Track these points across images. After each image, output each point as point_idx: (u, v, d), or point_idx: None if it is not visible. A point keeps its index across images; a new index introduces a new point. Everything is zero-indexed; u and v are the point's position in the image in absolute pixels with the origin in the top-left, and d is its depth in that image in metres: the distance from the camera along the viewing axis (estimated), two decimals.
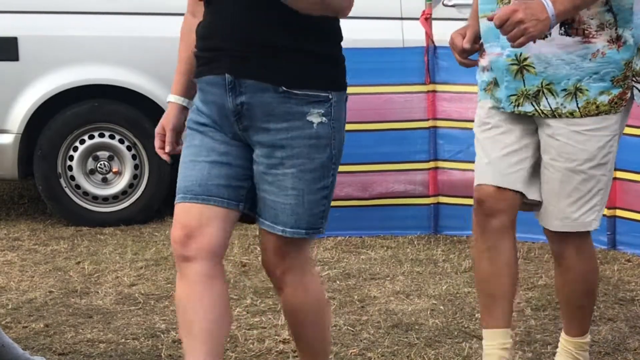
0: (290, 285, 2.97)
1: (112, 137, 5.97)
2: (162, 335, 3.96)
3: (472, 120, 5.38)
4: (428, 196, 5.58)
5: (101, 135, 5.97)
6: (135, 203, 6.02)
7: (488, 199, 3.28)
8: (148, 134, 5.91)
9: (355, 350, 3.78)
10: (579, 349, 3.49)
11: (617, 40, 3.07)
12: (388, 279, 4.75)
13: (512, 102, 3.22)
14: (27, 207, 6.54)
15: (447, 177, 5.61)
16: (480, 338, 3.90)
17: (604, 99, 3.09)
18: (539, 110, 3.18)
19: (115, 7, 5.89)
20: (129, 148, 5.97)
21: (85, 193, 6.00)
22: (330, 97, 2.80)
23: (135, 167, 5.99)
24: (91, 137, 5.96)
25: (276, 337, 3.92)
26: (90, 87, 5.90)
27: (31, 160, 5.97)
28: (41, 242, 5.57)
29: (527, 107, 3.20)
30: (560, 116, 3.14)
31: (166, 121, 3.09)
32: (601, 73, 3.07)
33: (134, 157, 5.98)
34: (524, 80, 3.18)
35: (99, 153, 5.99)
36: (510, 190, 3.25)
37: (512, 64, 3.19)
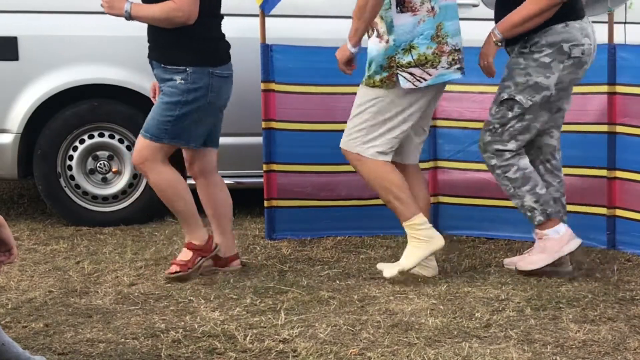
0: (148, 171, 4.69)
1: (111, 136, 5.97)
2: (161, 335, 3.95)
3: (472, 120, 5.45)
4: None
5: (101, 135, 5.97)
6: (135, 203, 6.02)
7: None
8: None
9: (355, 350, 3.77)
10: (407, 228, 4.70)
11: (386, 42, 4.64)
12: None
13: None
14: (27, 206, 6.54)
15: (447, 176, 5.61)
16: (479, 337, 3.90)
17: (378, 77, 4.66)
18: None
19: None
20: (128, 148, 5.96)
21: (85, 193, 6.00)
22: (187, 69, 4.60)
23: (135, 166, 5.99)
24: (91, 136, 5.96)
25: (276, 336, 3.91)
26: (90, 87, 5.90)
27: (31, 159, 5.97)
28: (41, 241, 5.57)
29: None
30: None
31: None
32: (377, 60, 4.65)
33: None
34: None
35: (98, 153, 5.99)
36: None
37: None
